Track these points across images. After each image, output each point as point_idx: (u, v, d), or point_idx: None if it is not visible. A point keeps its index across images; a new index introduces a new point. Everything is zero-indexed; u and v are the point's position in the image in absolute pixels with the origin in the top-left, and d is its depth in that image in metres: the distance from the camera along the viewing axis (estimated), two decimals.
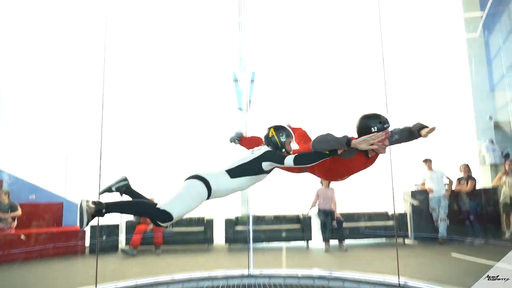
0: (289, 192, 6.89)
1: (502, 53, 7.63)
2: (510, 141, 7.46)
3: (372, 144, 2.36)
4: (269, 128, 2.79)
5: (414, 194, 6.93)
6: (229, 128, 7.13)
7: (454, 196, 6.72)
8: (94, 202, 2.34)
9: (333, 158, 2.53)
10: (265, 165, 2.60)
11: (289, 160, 2.46)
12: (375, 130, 2.42)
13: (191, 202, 2.45)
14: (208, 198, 2.54)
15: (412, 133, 2.51)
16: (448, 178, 6.75)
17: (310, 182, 6.76)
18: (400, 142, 2.59)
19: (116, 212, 2.47)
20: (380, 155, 2.56)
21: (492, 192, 6.74)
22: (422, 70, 6.96)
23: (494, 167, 7.25)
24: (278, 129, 2.79)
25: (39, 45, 6.93)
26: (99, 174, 6.15)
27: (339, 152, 2.46)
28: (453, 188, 6.74)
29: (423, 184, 6.89)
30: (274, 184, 6.81)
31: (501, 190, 6.53)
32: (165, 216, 2.35)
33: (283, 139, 2.76)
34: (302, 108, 6.84)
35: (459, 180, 6.74)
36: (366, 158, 2.53)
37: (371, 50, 5.88)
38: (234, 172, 2.59)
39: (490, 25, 7.76)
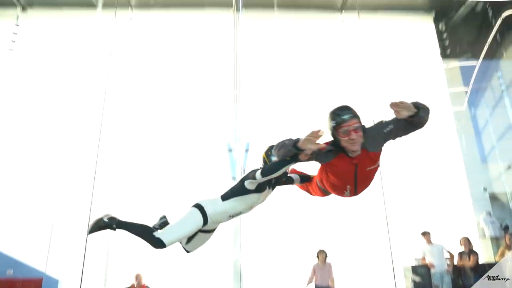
0: (284, 266, 6.56)
1: (490, 126, 7.87)
2: (508, 212, 7.35)
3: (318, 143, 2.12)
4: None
5: (415, 270, 6.59)
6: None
7: (457, 271, 6.41)
8: (110, 218, 2.72)
9: (325, 171, 2.39)
10: (247, 183, 2.64)
11: (258, 174, 2.50)
12: (334, 124, 2.16)
13: (184, 229, 2.66)
14: (205, 223, 2.66)
15: (407, 122, 2.19)
16: (449, 252, 6.50)
17: (306, 255, 6.48)
18: (400, 134, 2.28)
19: (124, 229, 2.71)
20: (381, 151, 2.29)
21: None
22: (413, 143, 7.05)
23: (495, 240, 7.04)
24: (270, 149, 2.75)
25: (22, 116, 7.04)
26: (85, 247, 5.88)
27: (302, 158, 2.28)
28: (455, 262, 6.46)
29: (424, 258, 6.60)
30: (269, 258, 6.53)
31: (506, 265, 6.25)
32: (158, 242, 2.57)
33: (273, 159, 2.70)
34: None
35: (460, 254, 6.48)
36: (350, 158, 2.24)
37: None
38: (225, 195, 2.70)
39: (475, 100, 8.12)
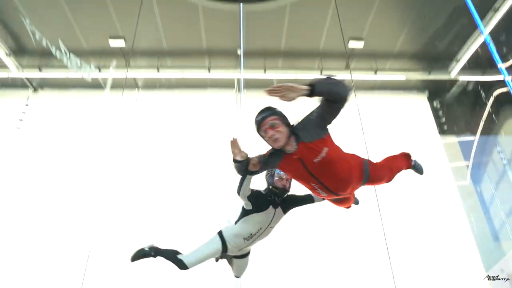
0: None
1: (497, 201, 7.67)
2: None
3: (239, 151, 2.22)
4: None
5: None
6: (220, 275, 6.55)
7: None
8: (150, 247, 3.09)
9: None
10: (243, 204, 2.94)
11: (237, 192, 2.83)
12: (256, 128, 2.29)
13: (203, 252, 2.99)
14: (225, 246, 2.95)
15: (325, 101, 2.11)
16: None
17: None
18: (330, 116, 2.25)
19: (161, 256, 3.05)
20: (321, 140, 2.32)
21: None
22: (419, 225, 6.75)
23: None
24: (266, 172, 3.05)
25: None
26: None
27: (251, 168, 2.36)
28: None
29: None
30: None
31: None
32: (180, 264, 2.92)
33: (269, 179, 3.00)
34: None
35: None
36: (291, 155, 2.27)
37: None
38: (236, 220, 3.01)
39: (478, 174, 8.04)
